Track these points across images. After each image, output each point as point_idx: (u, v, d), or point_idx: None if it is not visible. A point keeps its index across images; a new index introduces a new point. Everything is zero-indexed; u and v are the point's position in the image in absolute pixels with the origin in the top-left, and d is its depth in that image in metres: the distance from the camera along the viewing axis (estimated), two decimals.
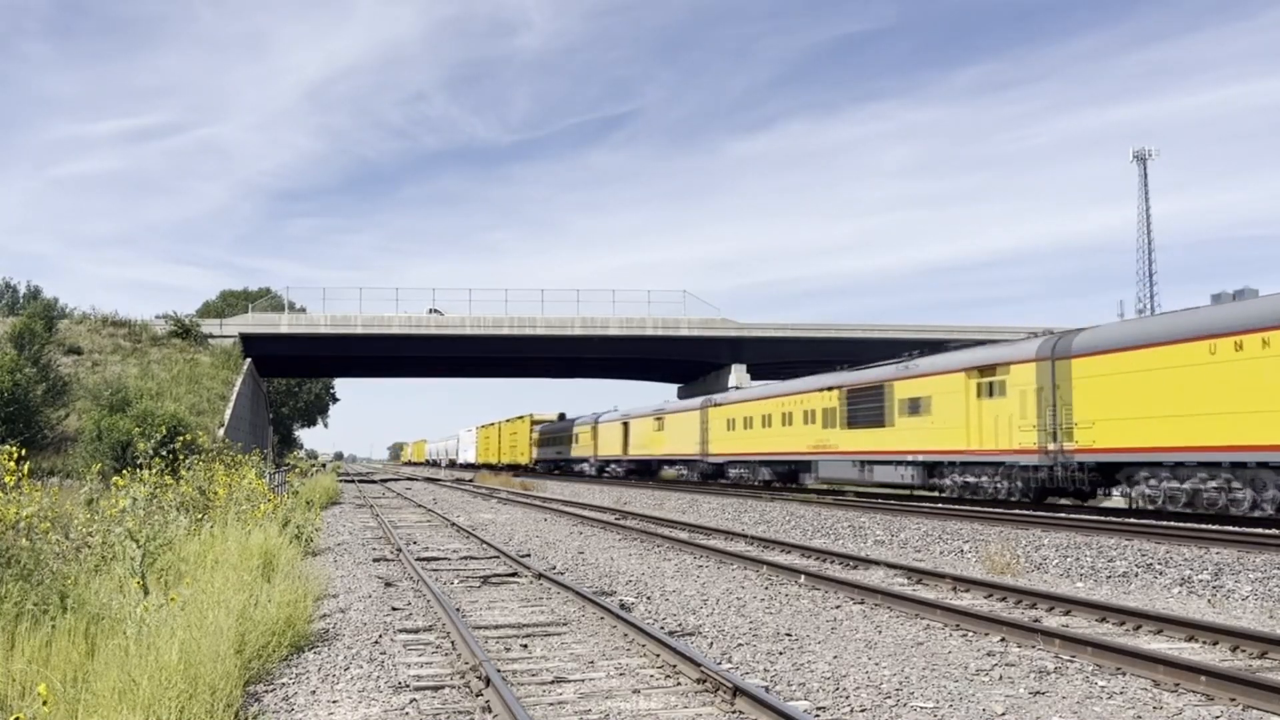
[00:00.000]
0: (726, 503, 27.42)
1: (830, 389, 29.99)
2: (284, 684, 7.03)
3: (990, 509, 20.98)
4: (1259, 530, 15.63)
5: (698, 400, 42.15)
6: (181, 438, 18.64)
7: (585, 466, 57.77)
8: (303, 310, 53.60)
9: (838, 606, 10.33)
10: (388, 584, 12.33)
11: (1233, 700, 6.38)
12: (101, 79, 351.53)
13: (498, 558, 15.17)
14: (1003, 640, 8.46)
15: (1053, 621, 9.26)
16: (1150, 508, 18.24)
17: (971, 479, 23.20)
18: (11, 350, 32.92)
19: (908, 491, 29.76)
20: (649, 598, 11.09)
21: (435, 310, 49.63)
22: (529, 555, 15.42)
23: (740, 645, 8.38)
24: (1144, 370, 18.04)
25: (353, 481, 58.31)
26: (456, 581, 12.43)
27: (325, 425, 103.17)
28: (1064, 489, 20.53)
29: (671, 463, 45.79)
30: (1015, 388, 21.45)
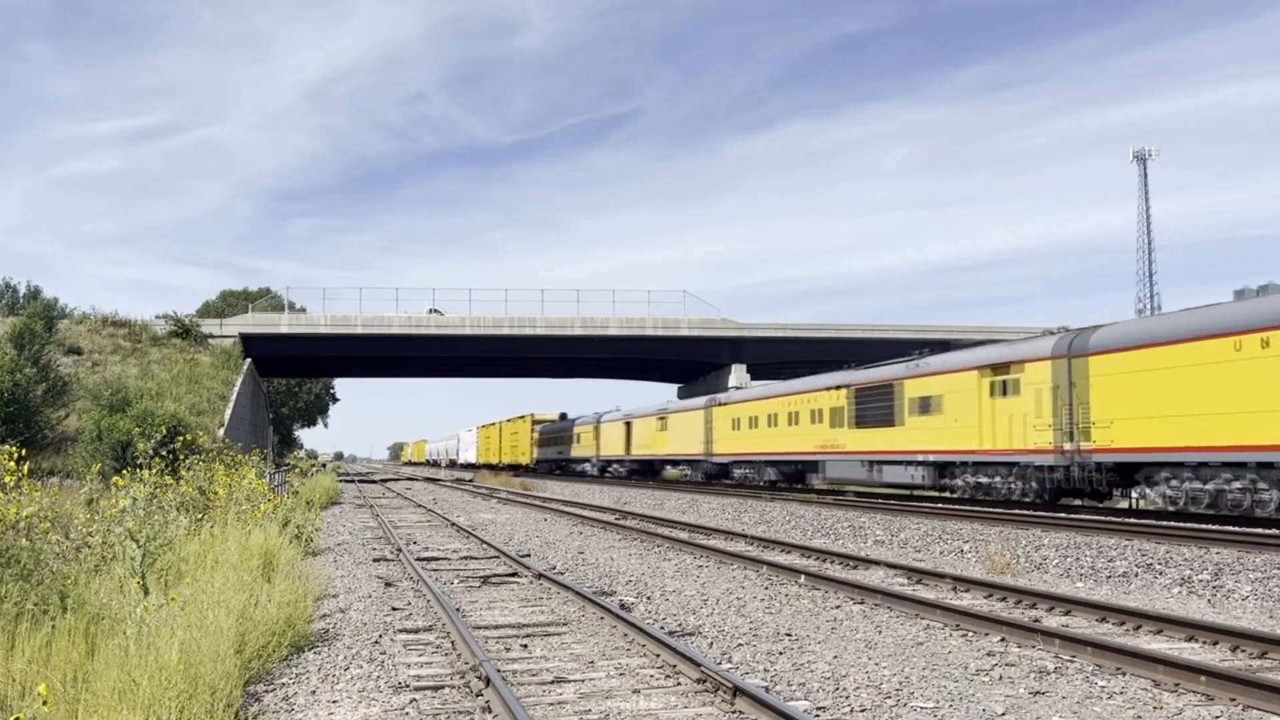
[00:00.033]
0: (726, 503, 27.42)
1: (838, 388, 29.65)
2: (284, 684, 7.03)
3: (990, 509, 20.95)
4: (1259, 530, 15.62)
5: (702, 400, 41.93)
6: (181, 438, 18.65)
7: (587, 467, 57.73)
8: (303, 310, 53.62)
9: (838, 606, 10.33)
10: (388, 584, 12.33)
11: (1233, 700, 6.38)
12: (101, 79, 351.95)
13: (498, 558, 15.17)
14: (1003, 640, 8.45)
15: (1053, 621, 9.26)
16: (1171, 509, 17.87)
17: (984, 479, 22.81)
18: (11, 350, 32.93)
19: (907, 492, 29.71)
20: (649, 598, 11.10)
21: (435, 310, 49.65)
22: (529, 555, 15.43)
23: (740, 645, 8.38)
24: (1165, 368, 17.66)
25: (353, 482, 58.32)
26: (456, 581, 12.43)
27: (325, 425, 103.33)
28: (1080, 490, 20.13)
29: (675, 463, 45.65)
30: (1030, 386, 21.06)
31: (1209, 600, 10.88)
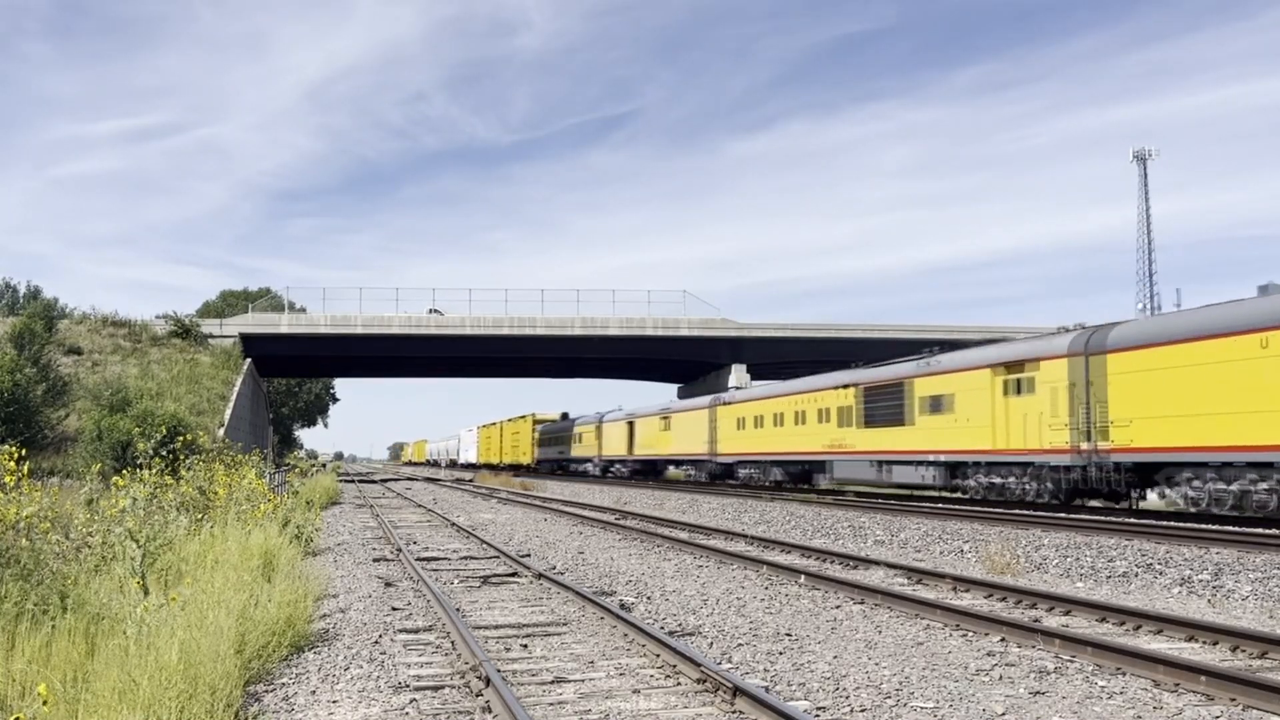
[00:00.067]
0: (727, 503, 27.42)
1: (846, 387, 29.27)
2: (284, 684, 7.03)
3: (990, 509, 20.92)
4: (1259, 530, 15.61)
5: (706, 399, 41.70)
6: (181, 438, 18.66)
7: (589, 467, 57.69)
8: (303, 310, 53.64)
9: (838, 606, 10.33)
10: (388, 584, 12.33)
11: (1233, 700, 6.38)
12: (101, 79, 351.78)
13: (498, 558, 15.17)
14: (1003, 640, 8.46)
15: (1053, 621, 9.26)
16: (1193, 510, 17.58)
17: (998, 480, 22.42)
18: (11, 350, 32.94)
19: (907, 492, 29.67)
20: (649, 598, 11.10)
21: (435, 310, 49.68)
22: (529, 555, 15.43)
23: (740, 645, 8.38)
24: (1186, 365, 17.26)
25: (353, 481, 58.33)
26: (456, 581, 12.43)
27: (325, 425, 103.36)
28: (1098, 490, 19.74)
29: (678, 463, 45.49)
30: (1045, 384, 20.64)
31: (1209, 600, 10.88)
